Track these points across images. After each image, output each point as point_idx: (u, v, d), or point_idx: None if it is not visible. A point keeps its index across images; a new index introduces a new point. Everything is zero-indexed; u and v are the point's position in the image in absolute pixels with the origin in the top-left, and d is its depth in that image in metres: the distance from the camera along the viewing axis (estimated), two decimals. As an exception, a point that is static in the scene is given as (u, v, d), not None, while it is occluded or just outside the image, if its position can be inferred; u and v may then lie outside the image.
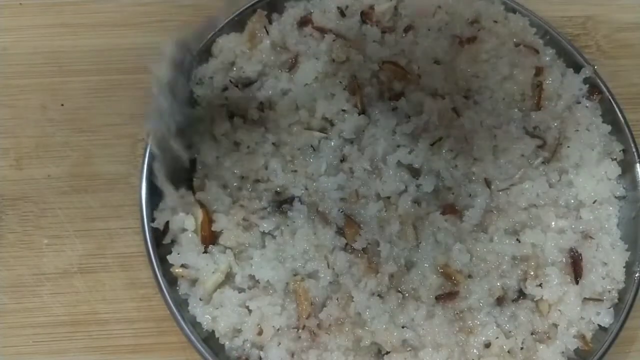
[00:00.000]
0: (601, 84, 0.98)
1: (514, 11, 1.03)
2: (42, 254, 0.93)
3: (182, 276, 0.86)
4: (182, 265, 0.86)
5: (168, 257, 0.86)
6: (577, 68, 0.99)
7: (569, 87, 0.97)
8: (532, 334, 0.85)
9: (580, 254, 0.88)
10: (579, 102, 0.97)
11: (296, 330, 0.83)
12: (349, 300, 0.84)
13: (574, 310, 0.85)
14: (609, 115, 0.97)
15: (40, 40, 1.05)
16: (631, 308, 0.86)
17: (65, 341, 0.89)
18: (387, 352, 0.82)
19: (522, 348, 0.84)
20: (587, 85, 0.98)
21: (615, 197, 0.93)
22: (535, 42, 1.01)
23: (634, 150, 0.94)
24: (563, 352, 0.85)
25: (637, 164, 0.94)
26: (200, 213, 0.87)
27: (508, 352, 0.83)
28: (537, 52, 0.99)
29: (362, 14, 1.00)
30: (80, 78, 1.03)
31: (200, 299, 0.85)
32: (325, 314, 0.83)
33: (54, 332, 0.90)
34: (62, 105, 1.02)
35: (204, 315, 0.85)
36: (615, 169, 0.94)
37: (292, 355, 0.82)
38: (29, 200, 0.96)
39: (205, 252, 0.86)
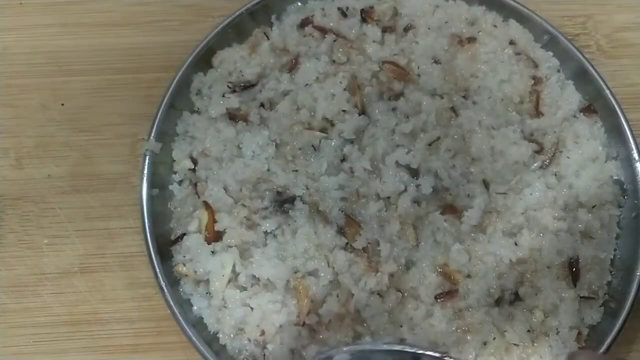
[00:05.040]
0: (602, 84, 0.98)
1: (514, 11, 1.03)
2: (43, 253, 0.93)
3: (186, 275, 0.86)
4: (187, 265, 0.86)
5: (175, 256, 0.87)
6: (579, 71, 1.00)
7: (568, 101, 0.97)
8: (528, 331, 0.85)
9: (578, 257, 0.88)
10: (576, 117, 0.97)
11: (297, 327, 0.83)
12: (348, 297, 0.84)
13: (571, 314, 0.85)
14: (610, 115, 0.97)
15: (41, 40, 1.05)
16: (631, 308, 0.86)
17: (66, 341, 0.89)
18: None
19: (517, 345, 0.84)
20: (584, 102, 0.99)
21: (617, 198, 0.93)
22: (535, 54, 1.00)
23: (634, 150, 0.94)
24: (561, 352, 0.85)
25: (637, 164, 0.94)
26: (205, 214, 0.87)
27: (505, 350, 0.83)
28: (536, 65, 0.99)
29: (363, 12, 1.00)
30: (80, 78, 1.03)
31: (211, 297, 0.85)
32: (325, 310, 0.83)
33: (54, 332, 0.90)
34: (63, 104, 1.02)
35: (210, 316, 0.85)
36: (617, 170, 0.94)
37: (292, 352, 0.82)
38: (29, 200, 0.96)
39: (213, 252, 0.87)
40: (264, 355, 0.83)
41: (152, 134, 0.92)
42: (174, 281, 0.87)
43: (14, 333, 0.90)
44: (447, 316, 0.84)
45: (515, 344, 0.83)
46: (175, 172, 0.94)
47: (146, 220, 0.88)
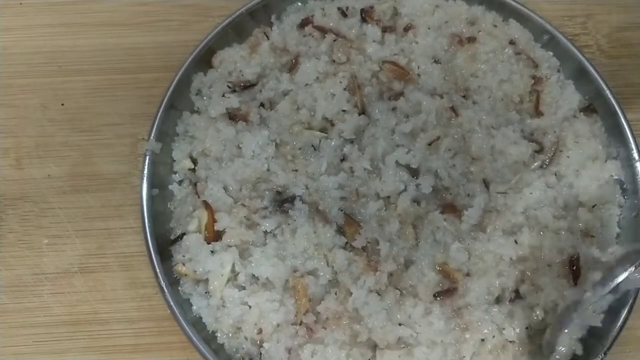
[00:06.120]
0: (601, 83, 0.98)
1: (514, 11, 1.03)
2: (43, 253, 0.93)
3: (186, 275, 0.86)
4: (187, 265, 0.86)
5: (174, 256, 0.87)
6: (579, 71, 1.00)
7: (568, 100, 0.97)
8: (527, 328, 0.85)
9: (578, 255, 0.88)
10: (576, 117, 0.97)
11: (294, 326, 0.83)
12: (347, 295, 0.84)
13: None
14: (610, 115, 0.97)
15: (41, 40, 1.05)
16: (631, 308, 0.86)
17: (66, 341, 0.90)
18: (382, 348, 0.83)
19: (514, 342, 0.84)
20: (584, 102, 0.99)
21: (617, 198, 0.93)
22: (535, 54, 1.00)
23: (634, 150, 0.94)
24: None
25: (637, 164, 0.94)
26: (205, 214, 0.87)
27: (502, 348, 0.83)
28: (536, 65, 0.99)
29: (363, 11, 1.00)
30: (80, 78, 1.03)
31: (210, 296, 0.85)
32: (323, 307, 0.83)
33: (54, 332, 0.90)
34: (63, 104, 1.02)
35: (209, 315, 0.85)
36: (617, 170, 0.94)
37: (289, 351, 0.83)
38: (29, 200, 0.96)
39: (212, 252, 0.87)
40: (261, 354, 0.83)
41: (152, 134, 0.92)
42: (173, 281, 0.87)
43: (14, 333, 0.90)
44: (446, 314, 0.84)
45: (511, 341, 0.84)
46: (175, 172, 0.94)
47: (146, 220, 0.88)
